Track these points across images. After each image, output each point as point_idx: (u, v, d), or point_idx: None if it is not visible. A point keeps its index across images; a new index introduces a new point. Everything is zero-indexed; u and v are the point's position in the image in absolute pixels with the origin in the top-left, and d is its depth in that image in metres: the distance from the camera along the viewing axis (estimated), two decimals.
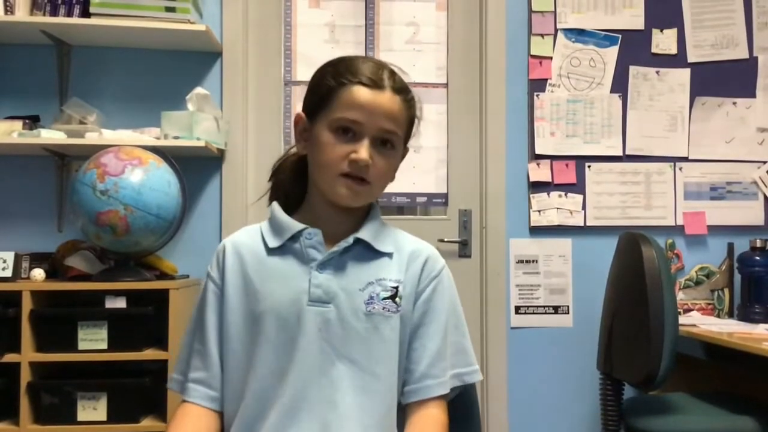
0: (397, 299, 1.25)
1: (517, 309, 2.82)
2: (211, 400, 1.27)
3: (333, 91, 1.24)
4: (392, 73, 1.26)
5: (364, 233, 1.28)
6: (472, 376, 1.32)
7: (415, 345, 1.28)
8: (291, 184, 1.35)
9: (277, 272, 1.26)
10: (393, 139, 1.25)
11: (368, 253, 1.28)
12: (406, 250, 1.31)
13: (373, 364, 1.23)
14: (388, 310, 1.24)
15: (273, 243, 1.28)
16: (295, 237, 1.27)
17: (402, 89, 1.26)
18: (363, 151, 1.21)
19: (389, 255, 1.29)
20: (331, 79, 1.25)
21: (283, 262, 1.26)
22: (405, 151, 1.34)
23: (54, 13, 2.49)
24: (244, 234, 1.34)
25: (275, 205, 1.33)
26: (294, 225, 1.27)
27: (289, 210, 1.32)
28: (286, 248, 1.27)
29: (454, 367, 1.29)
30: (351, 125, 1.22)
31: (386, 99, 1.23)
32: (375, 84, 1.23)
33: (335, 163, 1.22)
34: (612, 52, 2.86)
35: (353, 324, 1.23)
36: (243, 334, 1.25)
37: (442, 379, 1.27)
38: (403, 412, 1.28)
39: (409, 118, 1.29)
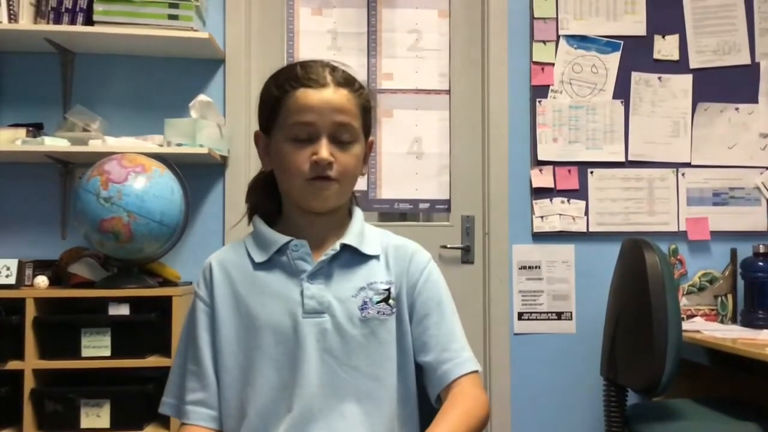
0: (390, 301, 1.26)
1: (520, 315, 2.81)
2: (212, 420, 1.26)
3: (279, 100, 1.24)
4: (333, 69, 1.26)
5: (350, 238, 1.28)
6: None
7: (423, 338, 1.28)
8: (266, 201, 1.35)
9: (267, 287, 1.25)
10: (350, 132, 1.24)
11: (356, 257, 1.28)
12: (391, 249, 1.32)
13: (375, 368, 1.23)
14: (383, 313, 1.25)
15: (259, 258, 1.27)
16: (282, 250, 1.26)
17: (345, 81, 1.25)
18: (323, 150, 1.21)
19: (377, 257, 1.29)
20: (275, 89, 1.26)
21: (273, 276, 1.26)
22: (370, 143, 1.33)
23: (57, 21, 2.50)
24: (228, 250, 1.33)
25: (257, 219, 1.32)
26: (279, 238, 1.27)
27: (269, 224, 1.31)
28: (273, 262, 1.26)
29: (465, 349, 1.29)
30: (305, 128, 1.22)
31: (331, 94, 1.23)
32: (317, 82, 1.23)
33: (299, 169, 1.22)
34: (614, 59, 2.86)
35: (350, 331, 1.23)
36: (237, 351, 1.25)
37: (458, 359, 1.26)
38: (422, 412, 1.29)
39: (361, 108, 1.27)
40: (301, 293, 1.23)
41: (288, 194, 1.28)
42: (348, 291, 1.25)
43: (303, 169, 1.22)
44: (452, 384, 1.24)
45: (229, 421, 1.25)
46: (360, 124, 1.27)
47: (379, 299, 1.25)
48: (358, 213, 1.34)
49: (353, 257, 1.28)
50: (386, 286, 1.26)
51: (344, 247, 1.27)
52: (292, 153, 1.22)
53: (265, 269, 1.27)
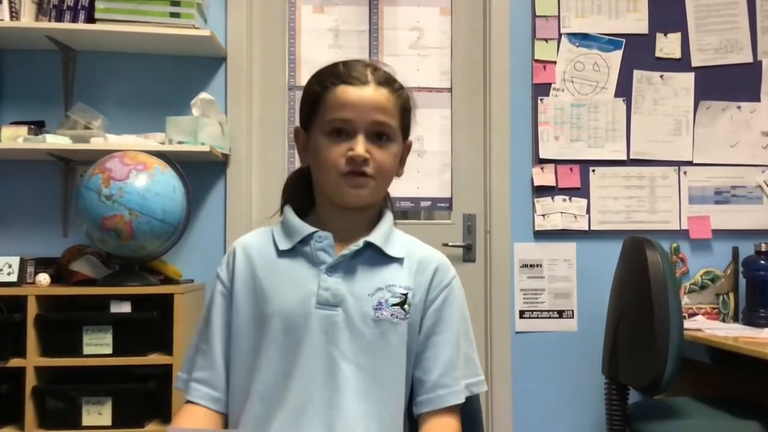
0: (405, 306, 1.25)
1: (522, 313, 2.81)
2: (213, 401, 1.27)
3: (319, 96, 1.26)
4: (375, 69, 1.27)
5: (375, 237, 1.27)
6: (479, 387, 1.32)
7: (426, 354, 1.27)
8: (300, 195, 1.35)
9: (286, 274, 1.26)
10: (387, 131, 1.25)
11: (379, 257, 1.28)
12: (416, 257, 1.31)
13: (379, 370, 1.23)
14: (397, 317, 1.24)
15: (284, 245, 1.28)
16: (306, 240, 1.27)
17: (386, 81, 1.27)
18: (359, 146, 1.22)
19: (399, 261, 1.29)
20: (317, 85, 1.27)
21: (293, 265, 1.26)
22: (408, 144, 1.34)
23: (59, 18, 2.50)
24: (254, 236, 1.34)
25: (288, 208, 1.33)
26: (305, 228, 1.27)
27: (300, 216, 1.32)
28: (296, 251, 1.27)
29: (465, 378, 1.29)
30: (342, 125, 1.23)
31: (371, 92, 1.24)
32: (358, 80, 1.24)
33: (334, 164, 1.23)
34: (616, 57, 2.86)
35: (360, 329, 1.22)
36: (251, 335, 1.25)
37: (455, 388, 1.26)
38: (415, 422, 1.27)
39: (400, 108, 1.28)
40: (318, 284, 1.23)
41: (321, 189, 1.29)
42: (365, 289, 1.24)
43: (338, 164, 1.22)
44: (441, 411, 1.25)
45: (235, 402, 1.26)
46: (398, 124, 1.28)
47: (394, 302, 1.24)
48: (388, 215, 1.34)
49: (376, 257, 1.27)
50: (404, 291, 1.25)
51: (368, 245, 1.26)
52: (328, 147, 1.23)
53: (288, 257, 1.27)
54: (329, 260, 1.24)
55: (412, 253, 1.31)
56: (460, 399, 1.26)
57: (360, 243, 1.26)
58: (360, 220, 1.30)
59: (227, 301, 1.29)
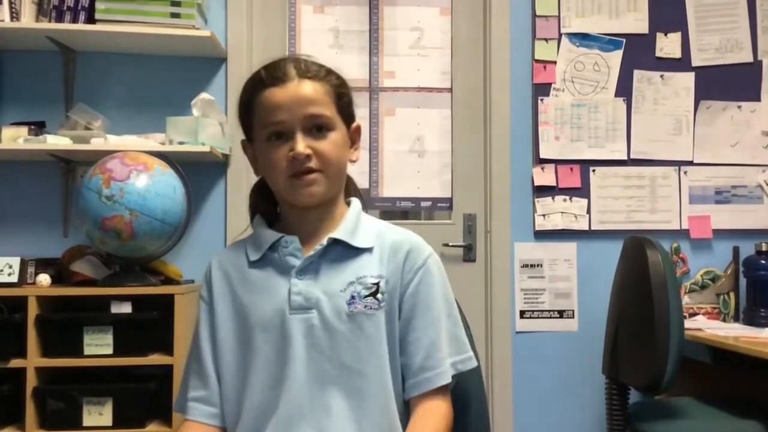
0: (378, 295, 1.24)
1: (522, 313, 2.81)
2: (212, 417, 1.27)
3: (249, 105, 1.26)
4: (296, 63, 1.26)
5: (340, 232, 1.27)
6: (466, 364, 1.30)
7: (409, 339, 1.26)
8: (265, 204, 1.35)
9: (259, 284, 1.26)
10: (324, 122, 1.24)
11: (347, 251, 1.27)
12: (387, 242, 1.29)
13: (362, 364, 1.22)
14: (371, 308, 1.23)
15: (254, 255, 1.28)
16: (274, 247, 1.27)
17: (309, 72, 1.25)
18: (298, 145, 1.21)
19: (369, 250, 1.28)
20: (244, 94, 1.28)
21: (264, 274, 1.27)
22: (356, 127, 1.32)
23: (59, 19, 2.50)
24: (229, 250, 1.35)
25: (257, 218, 1.34)
26: (271, 235, 1.28)
27: (270, 225, 1.32)
28: (266, 259, 1.27)
29: (451, 356, 1.27)
30: (277, 127, 1.22)
31: (295, 88, 1.23)
32: (280, 80, 1.23)
33: (280, 168, 1.23)
34: (616, 56, 2.86)
35: (337, 326, 1.22)
36: (236, 350, 1.26)
37: (440, 369, 1.25)
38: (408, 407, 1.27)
39: (332, 94, 1.26)
40: (289, 289, 1.23)
41: (277, 194, 1.30)
42: (337, 286, 1.24)
43: (282, 167, 1.22)
44: (430, 394, 1.24)
45: (230, 418, 1.26)
46: (334, 111, 1.26)
47: (366, 293, 1.23)
48: (354, 205, 1.33)
49: (345, 251, 1.27)
50: (375, 280, 1.24)
51: (334, 241, 1.26)
52: (271, 153, 1.23)
53: (259, 267, 1.28)
54: (298, 264, 1.24)
55: (384, 239, 1.29)
56: (447, 379, 1.25)
57: (324, 241, 1.25)
58: (325, 216, 1.29)
59: (210, 319, 1.29)
